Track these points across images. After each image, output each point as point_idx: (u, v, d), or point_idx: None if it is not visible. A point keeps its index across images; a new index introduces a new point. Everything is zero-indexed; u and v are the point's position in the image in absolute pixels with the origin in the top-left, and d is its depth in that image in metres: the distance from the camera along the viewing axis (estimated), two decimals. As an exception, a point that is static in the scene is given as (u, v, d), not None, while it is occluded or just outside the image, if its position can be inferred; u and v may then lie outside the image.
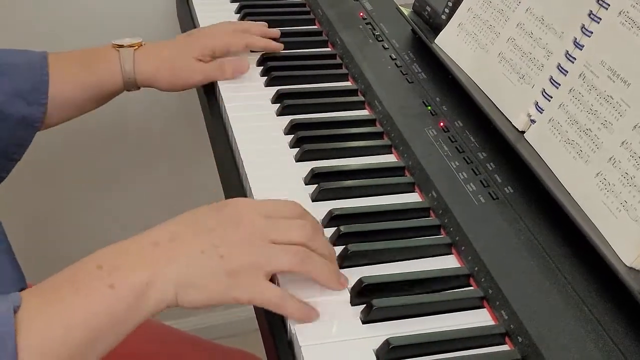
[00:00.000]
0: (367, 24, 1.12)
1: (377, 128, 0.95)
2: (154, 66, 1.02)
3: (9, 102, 0.94)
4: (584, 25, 0.79)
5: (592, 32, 0.78)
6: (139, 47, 1.02)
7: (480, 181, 0.82)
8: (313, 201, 0.83)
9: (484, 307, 0.72)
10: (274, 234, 0.69)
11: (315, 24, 1.20)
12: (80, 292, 0.62)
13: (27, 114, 0.95)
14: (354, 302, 0.71)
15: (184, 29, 1.29)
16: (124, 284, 0.63)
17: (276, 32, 1.11)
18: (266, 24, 1.12)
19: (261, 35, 1.09)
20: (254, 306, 0.79)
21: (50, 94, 0.97)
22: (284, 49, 1.11)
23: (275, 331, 0.71)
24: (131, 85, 1.02)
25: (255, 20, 1.17)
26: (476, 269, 0.74)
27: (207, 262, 0.66)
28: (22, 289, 0.76)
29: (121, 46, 1.02)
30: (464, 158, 0.85)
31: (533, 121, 0.82)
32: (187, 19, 1.26)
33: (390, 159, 0.90)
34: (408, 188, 0.85)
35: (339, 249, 0.76)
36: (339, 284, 0.72)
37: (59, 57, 1.00)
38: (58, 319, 0.61)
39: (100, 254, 0.66)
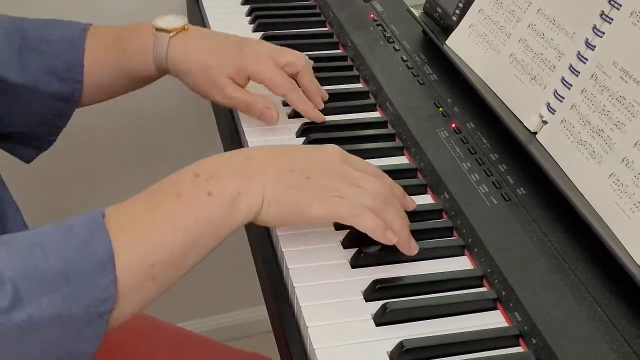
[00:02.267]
0: (377, 25, 1.12)
1: (389, 130, 0.95)
2: (184, 64, 0.94)
3: (42, 79, 0.92)
4: (595, 25, 0.79)
5: (603, 33, 0.78)
6: (178, 32, 0.95)
7: (493, 183, 0.82)
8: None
9: (498, 309, 0.72)
10: (360, 181, 0.73)
11: (326, 26, 1.20)
12: (181, 198, 0.67)
13: (61, 90, 0.93)
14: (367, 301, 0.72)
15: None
16: (220, 192, 0.67)
17: (324, 96, 0.98)
18: (318, 87, 0.98)
19: (309, 88, 0.96)
20: (267, 308, 0.80)
21: (85, 73, 0.94)
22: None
23: (288, 333, 0.71)
24: (164, 71, 0.97)
25: (266, 23, 1.18)
26: (489, 270, 0.74)
27: (292, 179, 0.70)
28: None
29: (160, 29, 0.94)
30: (476, 159, 0.85)
31: (545, 122, 0.82)
32: (197, 20, 1.26)
33: (402, 160, 0.90)
34: (420, 190, 0.85)
35: (351, 252, 0.76)
36: (409, 247, 0.74)
37: (100, 32, 0.96)
38: (162, 223, 0.65)
39: (198, 164, 0.70)
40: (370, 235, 0.72)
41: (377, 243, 0.75)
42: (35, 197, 1.48)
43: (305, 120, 0.95)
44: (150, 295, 0.66)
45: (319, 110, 0.95)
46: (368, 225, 0.71)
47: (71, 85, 0.94)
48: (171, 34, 0.94)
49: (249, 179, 0.69)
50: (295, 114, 0.97)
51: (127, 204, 0.67)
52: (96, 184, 1.56)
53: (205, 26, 1.22)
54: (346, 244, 0.77)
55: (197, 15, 1.27)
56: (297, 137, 0.94)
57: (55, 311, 0.59)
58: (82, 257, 0.61)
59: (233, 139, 0.98)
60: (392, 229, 0.72)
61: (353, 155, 0.78)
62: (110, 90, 0.99)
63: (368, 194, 0.72)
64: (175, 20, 0.96)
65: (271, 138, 0.93)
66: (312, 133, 0.92)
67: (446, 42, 1.00)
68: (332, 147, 0.76)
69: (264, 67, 0.93)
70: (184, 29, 0.95)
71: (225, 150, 1.03)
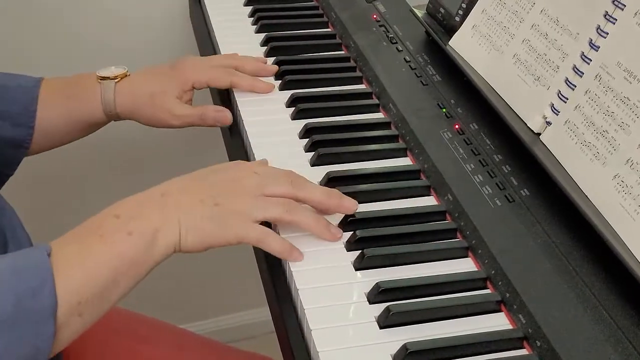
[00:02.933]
0: (380, 26, 1.12)
1: (392, 131, 0.94)
2: (133, 100, 1.00)
3: None
4: (599, 26, 0.79)
5: (607, 33, 0.78)
6: (122, 78, 1.00)
7: (496, 184, 0.81)
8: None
9: (502, 311, 0.71)
10: (266, 188, 0.77)
11: (328, 27, 1.19)
12: (105, 240, 0.70)
13: (13, 135, 0.96)
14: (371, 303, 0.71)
15: (197, 32, 1.29)
16: (139, 230, 0.71)
17: (272, 69, 1.06)
18: (266, 59, 1.08)
19: (254, 72, 1.04)
20: (270, 311, 0.80)
21: (37, 120, 0.97)
22: (298, 53, 1.10)
23: (292, 336, 0.71)
24: (113, 117, 1.01)
25: (269, 23, 1.17)
26: (493, 272, 0.73)
27: (203, 210, 0.74)
28: None
29: (104, 78, 1.00)
30: (479, 161, 0.85)
31: (549, 123, 0.82)
32: (200, 22, 1.26)
33: (405, 162, 0.90)
34: (424, 191, 0.85)
35: (355, 254, 0.76)
36: (329, 233, 0.78)
37: (50, 83, 1.00)
38: (88, 262, 0.68)
39: (117, 205, 0.74)
40: (279, 257, 0.76)
41: (381, 245, 0.76)
42: (32, 201, 1.48)
43: (307, 121, 0.95)
44: (77, 330, 0.69)
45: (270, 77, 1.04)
46: (275, 249, 0.75)
47: (24, 131, 0.97)
48: (116, 81, 1.00)
49: (165, 215, 0.73)
50: (297, 116, 0.97)
51: (61, 243, 0.70)
52: (94, 186, 1.56)
53: (207, 29, 1.22)
54: (349, 247, 0.77)
55: (199, 18, 1.27)
56: (300, 138, 0.94)
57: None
58: (30, 305, 0.64)
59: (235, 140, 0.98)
60: (307, 228, 0.77)
61: (254, 164, 0.83)
62: (61, 137, 1.02)
63: (276, 202, 0.76)
64: (117, 69, 1.01)
65: (274, 139, 0.93)
66: (314, 134, 0.92)
67: (449, 42, 1.00)
68: (241, 164, 0.82)
69: (200, 71, 1.01)
70: (125, 75, 1.01)
71: (229, 154, 1.03)
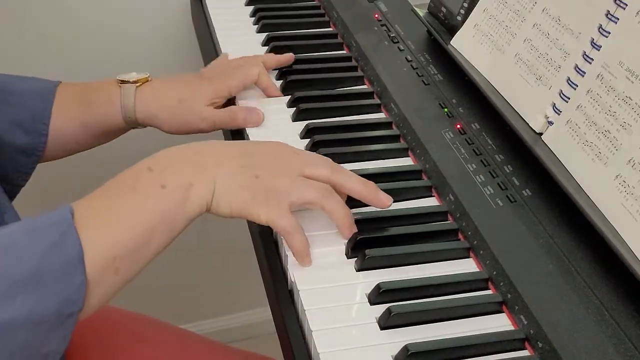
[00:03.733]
0: (382, 25, 1.12)
1: (394, 131, 0.94)
2: (156, 106, 0.97)
3: (7, 131, 0.92)
4: (601, 25, 0.79)
5: (609, 33, 0.78)
6: (143, 83, 0.97)
7: (498, 184, 0.81)
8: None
9: (503, 312, 0.71)
10: (306, 168, 0.76)
11: (330, 27, 1.19)
12: (137, 191, 0.69)
13: (25, 142, 0.94)
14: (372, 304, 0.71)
15: (198, 31, 1.29)
16: (173, 184, 0.70)
17: (288, 57, 1.06)
18: (280, 56, 1.06)
19: (275, 65, 1.05)
20: (271, 311, 0.79)
21: (51, 128, 0.95)
22: (299, 53, 1.10)
23: (292, 337, 0.71)
24: (132, 123, 0.98)
25: (270, 23, 1.17)
26: (495, 273, 0.73)
27: (242, 177, 0.73)
28: None
29: (125, 82, 0.97)
30: (481, 161, 0.85)
31: (550, 123, 0.82)
32: (201, 21, 1.26)
33: (407, 162, 0.90)
34: (425, 192, 0.85)
35: (356, 254, 0.76)
36: (350, 228, 0.77)
37: (67, 89, 0.98)
38: (121, 216, 0.67)
39: (150, 159, 0.72)
40: (294, 253, 0.75)
41: (382, 245, 0.75)
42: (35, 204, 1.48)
43: (309, 122, 0.94)
44: (113, 288, 0.67)
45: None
46: (295, 246, 0.75)
47: (36, 138, 0.94)
48: (137, 85, 0.97)
49: (200, 172, 0.72)
50: (298, 116, 0.97)
51: (89, 199, 0.68)
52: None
53: (209, 28, 1.22)
54: (350, 247, 0.77)
55: (201, 17, 1.26)
56: (301, 138, 0.93)
57: (27, 313, 0.60)
58: (53, 259, 0.62)
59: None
60: (334, 216, 0.76)
61: (294, 147, 0.81)
62: (77, 144, 0.99)
63: (312, 185, 0.75)
64: (138, 75, 0.98)
65: (276, 139, 0.92)
66: (315, 135, 0.92)
67: (451, 42, 1.00)
68: (283, 144, 0.80)
69: (231, 76, 0.98)
70: (147, 80, 0.98)
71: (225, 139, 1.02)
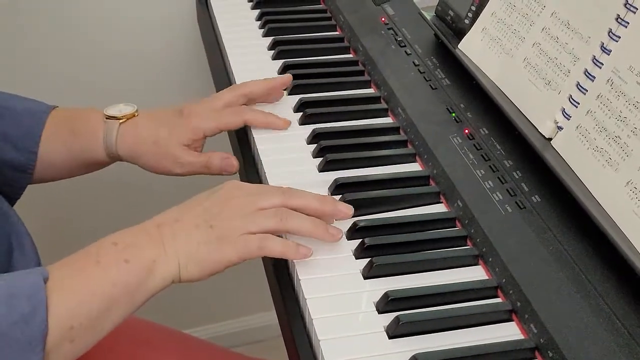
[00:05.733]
0: (389, 29, 1.11)
1: (401, 136, 0.93)
2: (136, 144, 0.95)
3: None
4: (611, 29, 0.78)
5: (619, 37, 0.77)
6: (128, 119, 0.96)
7: (507, 190, 0.80)
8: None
9: (513, 321, 0.70)
10: (258, 203, 0.76)
11: (336, 30, 1.18)
12: (100, 265, 0.70)
13: (14, 158, 0.94)
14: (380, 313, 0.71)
15: (204, 35, 1.29)
16: (136, 259, 0.72)
17: (285, 79, 1.01)
18: (270, 79, 1.00)
19: (266, 92, 0.99)
20: (278, 319, 0.79)
21: (41, 149, 0.95)
22: (306, 57, 1.10)
23: (300, 346, 0.70)
24: (115, 158, 0.98)
25: (276, 27, 1.17)
26: (504, 280, 0.72)
27: (200, 234, 0.74)
28: None
29: (110, 117, 0.95)
30: (489, 166, 0.84)
31: (560, 128, 0.81)
32: (207, 25, 1.25)
33: (414, 167, 0.89)
34: (433, 198, 0.84)
35: (363, 262, 0.75)
36: (328, 235, 0.77)
37: (58, 114, 0.97)
38: (82, 288, 0.69)
39: (115, 234, 0.74)
40: (284, 257, 0.76)
41: (390, 253, 0.75)
42: (41, 218, 1.48)
43: (315, 126, 0.94)
44: (67, 356, 0.69)
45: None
46: (278, 250, 0.74)
47: (25, 155, 0.94)
48: (121, 121, 0.95)
49: (162, 247, 0.73)
50: (304, 121, 0.96)
51: (55, 267, 0.70)
52: (100, 196, 1.55)
53: (215, 32, 1.21)
54: (358, 255, 0.76)
55: (206, 21, 1.26)
56: (307, 143, 0.93)
57: None
58: (19, 332, 0.63)
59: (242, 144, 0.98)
60: (303, 232, 0.76)
61: (246, 184, 0.81)
62: (63, 170, 0.99)
63: (270, 213, 0.75)
64: (125, 108, 0.97)
65: (282, 145, 0.92)
66: (322, 140, 0.91)
67: (458, 46, 0.99)
68: (231, 184, 0.79)
69: (209, 119, 0.94)
70: (133, 115, 0.96)
71: (233, 149, 1.02)
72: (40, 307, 0.65)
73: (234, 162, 0.95)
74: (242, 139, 0.98)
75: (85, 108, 0.99)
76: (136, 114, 0.97)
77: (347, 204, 0.79)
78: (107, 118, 0.96)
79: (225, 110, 0.96)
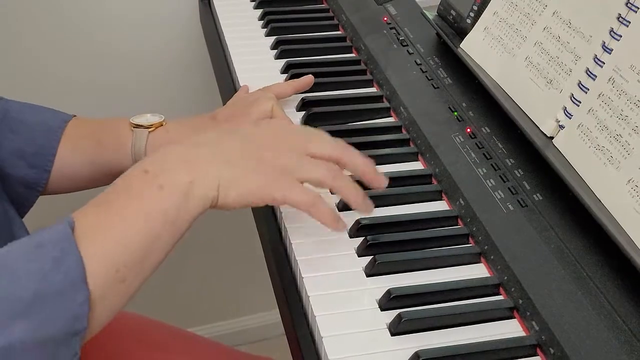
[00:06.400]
0: (391, 28, 1.11)
1: (403, 135, 0.94)
2: None
3: (10, 161, 0.90)
4: (612, 28, 0.78)
5: (621, 36, 0.77)
6: (157, 128, 0.93)
7: (509, 188, 0.81)
8: (340, 211, 0.82)
9: (515, 318, 0.71)
10: (311, 146, 0.73)
11: (339, 30, 1.19)
12: (133, 195, 0.67)
13: (27, 175, 0.91)
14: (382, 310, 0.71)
15: (207, 35, 1.29)
16: (171, 184, 0.67)
17: (307, 80, 1.02)
18: (294, 80, 1.01)
19: (291, 94, 1.00)
20: (281, 317, 0.79)
21: (57, 163, 0.92)
22: (308, 56, 1.10)
23: (302, 343, 0.71)
24: None
25: (278, 27, 1.17)
26: (506, 278, 0.73)
27: (245, 162, 0.70)
28: None
29: (138, 126, 0.93)
30: (491, 165, 0.84)
31: (562, 127, 0.81)
32: (210, 25, 1.26)
33: (416, 166, 0.89)
34: (435, 196, 0.84)
35: (366, 259, 0.76)
36: (365, 205, 0.75)
37: (79, 124, 0.94)
38: (118, 226, 0.65)
39: (144, 160, 0.70)
40: (322, 223, 0.73)
41: (393, 251, 0.75)
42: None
43: (319, 125, 0.94)
44: (123, 299, 0.66)
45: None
46: (324, 216, 0.72)
47: (39, 174, 0.92)
48: (150, 130, 0.93)
49: (200, 167, 0.69)
50: (307, 121, 0.97)
51: (86, 210, 0.66)
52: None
53: (217, 31, 1.21)
54: (361, 252, 0.77)
55: (209, 20, 1.26)
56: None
57: (31, 335, 0.59)
58: (54, 278, 0.60)
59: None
60: (347, 197, 0.74)
61: (291, 123, 0.79)
62: (83, 182, 0.95)
63: (322, 164, 0.73)
64: (152, 118, 0.94)
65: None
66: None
67: (460, 45, 0.99)
68: (275, 121, 0.78)
69: (246, 118, 0.92)
70: (161, 124, 0.93)
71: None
72: (70, 248, 0.61)
73: None
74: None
75: (111, 118, 0.96)
76: (164, 123, 0.94)
77: (385, 177, 0.78)
78: (134, 127, 0.93)
79: (253, 103, 0.93)
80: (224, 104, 1.09)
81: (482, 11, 0.98)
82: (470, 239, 0.79)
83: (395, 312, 0.69)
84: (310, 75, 1.02)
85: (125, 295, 0.66)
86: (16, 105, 0.93)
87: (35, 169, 0.91)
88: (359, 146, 0.90)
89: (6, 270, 0.60)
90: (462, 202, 0.81)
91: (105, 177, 0.95)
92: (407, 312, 0.69)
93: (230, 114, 0.94)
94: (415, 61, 1.03)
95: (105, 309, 0.64)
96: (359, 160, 0.76)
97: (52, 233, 0.63)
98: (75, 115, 0.96)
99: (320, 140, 0.75)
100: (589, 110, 0.78)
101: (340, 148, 0.75)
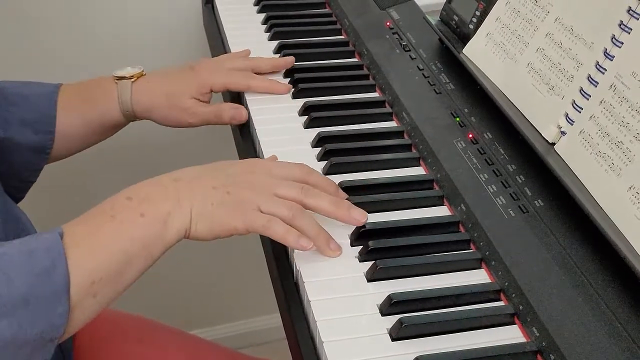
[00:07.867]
0: (394, 33, 1.12)
1: (405, 140, 0.94)
2: (150, 99, 1.02)
3: (17, 131, 0.97)
4: (614, 35, 0.78)
5: (622, 43, 0.77)
6: (138, 77, 1.02)
7: (510, 194, 0.81)
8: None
9: (515, 324, 0.71)
10: (278, 188, 0.78)
11: (341, 34, 1.19)
12: (116, 220, 0.71)
13: (35, 141, 0.98)
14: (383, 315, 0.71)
15: (210, 38, 1.29)
16: (151, 213, 0.73)
17: (288, 60, 1.08)
18: (275, 58, 1.10)
19: (271, 70, 1.07)
20: (282, 322, 0.79)
21: (57, 126, 0.99)
22: (310, 60, 1.10)
23: (303, 348, 0.71)
24: (130, 116, 1.03)
25: (281, 31, 1.17)
26: (506, 284, 0.73)
27: (215, 196, 0.75)
28: None
29: (121, 78, 1.01)
30: (493, 170, 0.84)
31: (563, 133, 0.81)
32: (213, 28, 1.26)
33: (418, 171, 0.90)
34: (437, 201, 0.85)
35: (367, 265, 0.76)
36: (329, 249, 0.77)
37: (67, 89, 1.02)
38: (100, 243, 0.70)
39: (129, 189, 0.75)
40: (284, 243, 0.76)
41: (394, 256, 0.75)
42: (44, 208, 1.48)
43: (321, 130, 0.95)
44: (91, 312, 0.70)
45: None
46: (280, 233, 0.75)
47: (45, 137, 0.99)
48: (132, 80, 1.01)
49: (178, 200, 0.74)
50: (309, 125, 0.97)
51: (72, 225, 0.71)
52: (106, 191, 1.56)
53: (221, 36, 1.22)
54: (362, 258, 0.77)
55: (212, 24, 1.27)
56: (312, 147, 0.93)
57: (10, 336, 0.63)
58: (42, 285, 0.65)
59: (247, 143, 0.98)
60: (307, 235, 0.76)
61: (277, 162, 0.85)
62: (80, 141, 1.04)
63: (284, 204, 0.76)
64: (133, 70, 1.02)
65: (287, 148, 0.93)
66: (327, 143, 0.92)
67: (463, 50, 0.99)
68: (260, 161, 0.84)
69: (218, 74, 1.02)
70: (142, 74, 1.02)
71: (239, 152, 1.03)
72: (60, 259, 0.66)
73: (243, 112, 1.00)
74: (247, 142, 0.99)
75: (94, 78, 1.04)
76: (144, 73, 1.03)
77: (361, 210, 0.79)
78: (117, 80, 1.01)
79: (234, 71, 1.03)
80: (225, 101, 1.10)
81: (485, 17, 0.98)
82: (471, 244, 0.79)
83: (396, 317, 0.70)
84: (291, 57, 1.08)
85: (93, 309, 0.70)
86: (8, 83, 1.00)
87: (41, 133, 0.98)
88: (361, 151, 0.91)
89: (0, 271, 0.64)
90: (463, 207, 0.81)
91: (99, 134, 1.04)
92: (408, 317, 0.69)
93: (207, 67, 1.03)
94: (417, 66, 1.04)
95: (76, 320, 0.68)
96: (324, 204, 0.78)
97: (45, 242, 0.67)
98: (62, 84, 1.03)
99: (288, 184, 0.78)
100: (590, 117, 0.78)
101: (307, 194, 0.78)
